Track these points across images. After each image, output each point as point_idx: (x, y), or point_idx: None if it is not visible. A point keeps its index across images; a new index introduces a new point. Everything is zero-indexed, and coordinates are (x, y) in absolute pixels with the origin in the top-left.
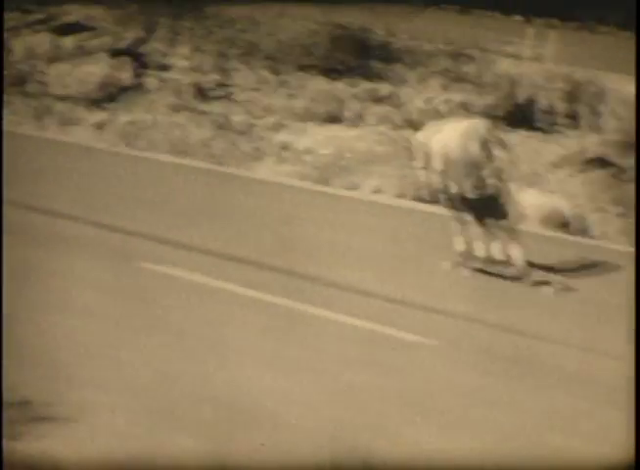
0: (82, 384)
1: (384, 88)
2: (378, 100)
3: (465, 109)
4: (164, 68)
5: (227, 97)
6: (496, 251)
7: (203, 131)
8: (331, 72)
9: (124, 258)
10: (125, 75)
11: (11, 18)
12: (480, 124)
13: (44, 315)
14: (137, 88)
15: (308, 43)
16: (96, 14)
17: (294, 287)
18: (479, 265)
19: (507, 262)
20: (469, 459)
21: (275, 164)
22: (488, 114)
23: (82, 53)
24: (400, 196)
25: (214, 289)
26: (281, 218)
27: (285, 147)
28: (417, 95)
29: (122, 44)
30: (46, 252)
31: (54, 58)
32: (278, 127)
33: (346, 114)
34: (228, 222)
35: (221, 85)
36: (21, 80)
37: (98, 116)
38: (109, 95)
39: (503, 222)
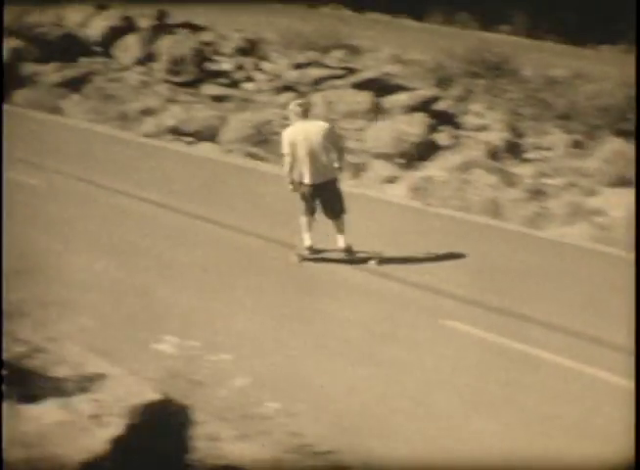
0: (374, 434)
1: None
2: None
3: None
4: (468, 126)
5: (532, 158)
6: (339, 241)
7: (511, 192)
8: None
9: (427, 313)
10: (420, 131)
11: (311, 73)
12: (325, 125)
13: (332, 365)
14: (434, 145)
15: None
16: (394, 70)
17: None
18: (324, 256)
19: (346, 250)
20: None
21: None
22: None
23: (380, 109)
24: None
25: (512, 350)
26: (578, 281)
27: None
28: None
29: (418, 101)
30: (327, 299)
31: (354, 113)
32: (575, 188)
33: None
34: (527, 283)
35: (518, 145)
36: None
37: (406, 173)
38: (411, 152)
39: (342, 215)
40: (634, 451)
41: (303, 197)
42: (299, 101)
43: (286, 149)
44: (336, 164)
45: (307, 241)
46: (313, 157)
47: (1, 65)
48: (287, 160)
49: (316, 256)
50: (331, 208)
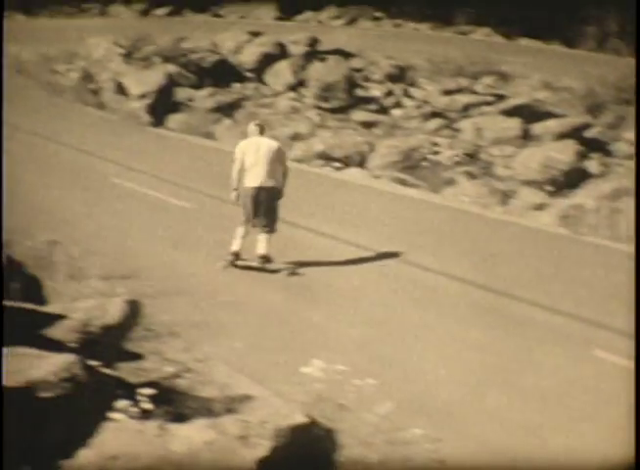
0: (516, 462)
1: None
2: None
3: None
4: (619, 154)
5: None
6: (260, 248)
7: None
8: None
9: (579, 344)
10: (570, 159)
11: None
12: (276, 144)
13: (476, 392)
14: (584, 173)
15: None
16: (544, 97)
17: None
18: (247, 263)
19: (263, 257)
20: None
21: None
22: None
23: (529, 136)
24: None
25: None
26: None
27: None
28: None
29: (568, 128)
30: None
31: (502, 140)
32: None
33: None
34: None
35: None
36: (470, 160)
37: (554, 200)
38: (560, 179)
39: (272, 232)
40: (634, 451)
41: (245, 204)
42: (257, 122)
43: (237, 155)
44: (278, 185)
45: (235, 246)
46: (260, 164)
47: (1, 61)
48: (236, 165)
49: (240, 262)
50: (266, 218)
